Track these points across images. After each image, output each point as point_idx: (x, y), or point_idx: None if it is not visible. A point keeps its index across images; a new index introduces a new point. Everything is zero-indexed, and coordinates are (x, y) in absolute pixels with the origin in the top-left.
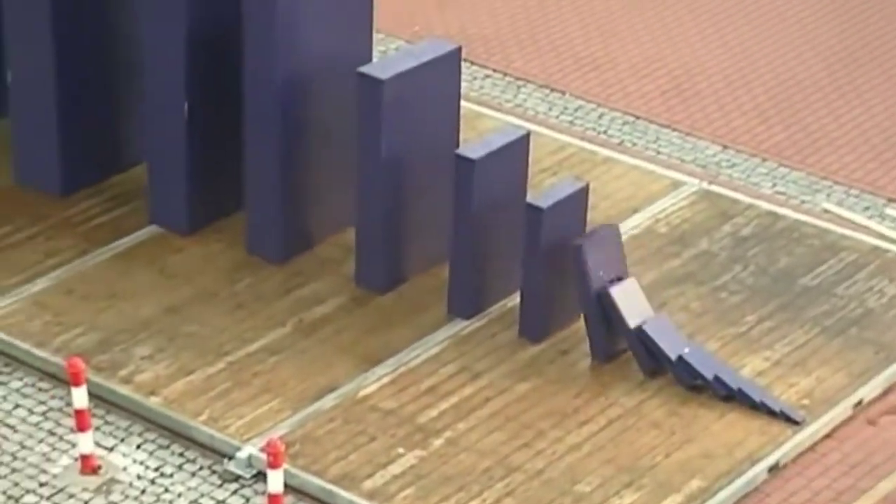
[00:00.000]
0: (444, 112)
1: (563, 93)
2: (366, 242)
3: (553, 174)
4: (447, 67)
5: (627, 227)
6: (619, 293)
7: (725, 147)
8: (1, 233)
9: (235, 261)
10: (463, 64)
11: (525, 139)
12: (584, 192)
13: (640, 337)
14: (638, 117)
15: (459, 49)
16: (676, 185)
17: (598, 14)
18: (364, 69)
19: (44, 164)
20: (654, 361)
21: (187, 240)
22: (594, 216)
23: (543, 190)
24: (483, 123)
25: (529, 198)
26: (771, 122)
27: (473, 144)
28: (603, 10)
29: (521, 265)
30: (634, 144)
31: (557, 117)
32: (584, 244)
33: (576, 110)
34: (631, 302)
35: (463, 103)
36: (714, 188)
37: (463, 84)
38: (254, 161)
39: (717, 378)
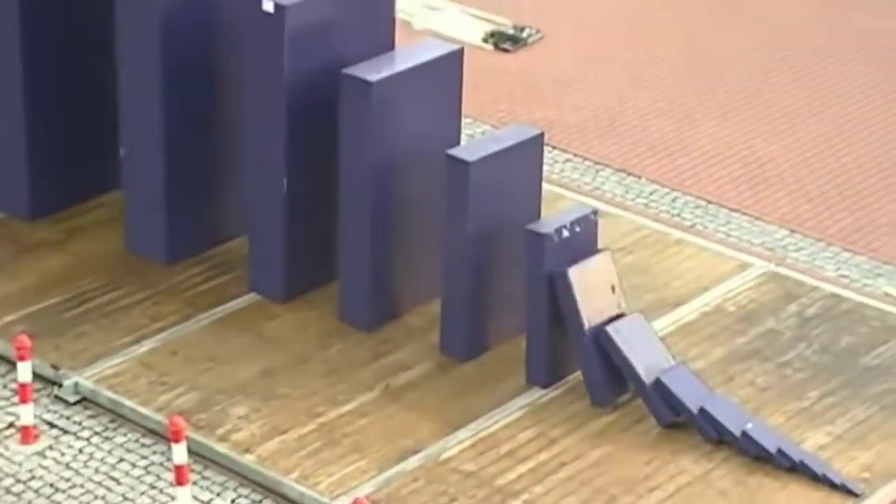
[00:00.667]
0: (526, 192)
1: (639, 177)
2: (450, 313)
3: (628, 253)
4: (530, 151)
5: (698, 306)
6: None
7: (792, 231)
8: (111, 297)
9: (327, 328)
10: (545, 148)
11: (592, 216)
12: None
13: (704, 413)
14: (709, 202)
15: (542, 135)
16: (745, 266)
17: (673, 104)
18: (452, 151)
19: (152, 234)
20: (717, 434)
21: (283, 307)
22: (666, 294)
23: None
24: (562, 204)
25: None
26: (835, 209)
27: (546, 220)
28: (678, 100)
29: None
30: (706, 227)
31: (633, 200)
32: (571, 272)
33: (651, 194)
34: (638, 346)
35: (544, 185)
36: (781, 270)
37: (545, 167)
38: (347, 235)
39: (780, 451)
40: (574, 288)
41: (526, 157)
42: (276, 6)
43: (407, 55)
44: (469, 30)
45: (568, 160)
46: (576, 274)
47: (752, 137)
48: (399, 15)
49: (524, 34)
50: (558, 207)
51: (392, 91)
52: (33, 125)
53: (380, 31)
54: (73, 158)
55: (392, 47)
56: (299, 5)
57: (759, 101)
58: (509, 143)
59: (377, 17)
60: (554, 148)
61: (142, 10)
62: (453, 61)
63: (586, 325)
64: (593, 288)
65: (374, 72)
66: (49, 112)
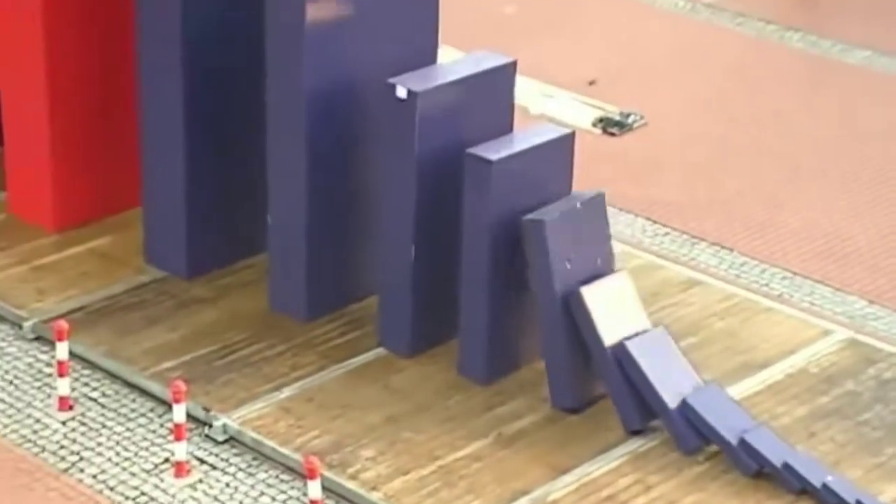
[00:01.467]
0: (598, 250)
1: (731, 250)
2: (555, 370)
3: (720, 319)
4: (595, 208)
5: (783, 368)
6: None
7: (871, 302)
8: (256, 349)
9: (447, 380)
10: (646, 222)
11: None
12: None
13: (788, 468)
14: (795, 273)
15: (602, 194)
16: (827, 333)
17: (763, 184)
18: (530, 217)
19: (293, 295)
20: (799, 485)
21: (408, 361)
22: (755, 356)
23: None
24: (661, 274)
25: None
26: None
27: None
28: (768, 180)
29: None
30: (792, 297)
31: (726, 270)
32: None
33: (741, 265)
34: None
35: (643, 255)
36: (860, 337)
37: (645, 239)
38: (467, 297)
39: (858, 502)
40: (590, 308)
41: (593, 214)
42: (409, 92)
43: (524, 137)
44: (579, 115)
45: (667, 233)
46: (591, 293)
47: (834, 215)
48: (517, 101)
49: (629, 119)
50: (657, 278)
51: (510, 169)
52: (193, 194)
53: (499, 116)
54: (226, 224)
55: (510, 130)
56: (429, 92)
57: (841, 181)
58: (576, 203)
59: (497, 103)
60: (655, 222)
61: (291, 96)
62: (565, 143)
63: (607, 345)
64: (612, 308)
65: (494, 152)
66: (207, 182)
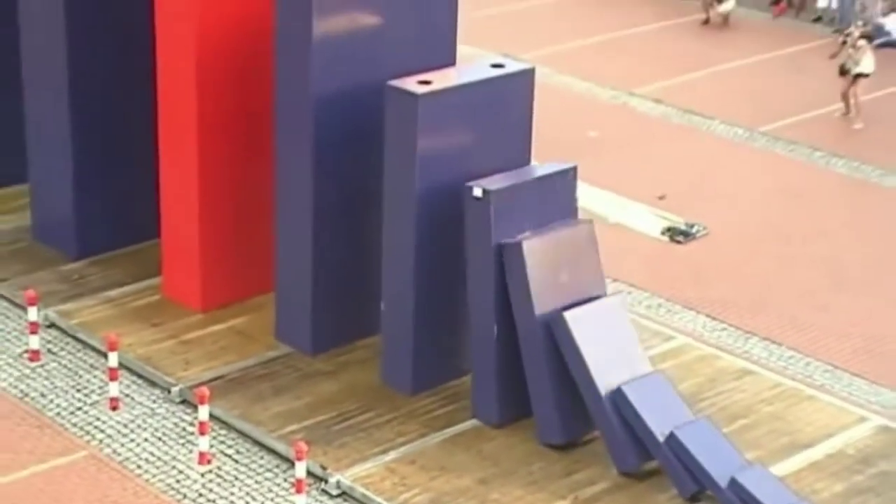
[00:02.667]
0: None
1: (780, 344)
2: (613, 440)
3: (769, 404)
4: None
5: (824, 449)
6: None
7: None
8: (367, 417)
9: (530, 449)
10: (706, 318)
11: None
12: None
13: None
14: (836, 367)
15: (624, 297)
16: (863, 419)
17: (811, 290)
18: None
19: (401, 372)
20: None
21: (497, 432)
22: (798, 438)
23: None
24: (718, 363)
25: None
26: None
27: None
28: (816, 287)
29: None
30: (833, 387)
31: (775, 362)
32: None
33: (789, 358)
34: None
35: (703, 346)
36: (892, 424)
37: (705, 333)
38: (532, 374)
39: None
40: (575, 335)
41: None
42: (484, 191)
43: (566, 232)
44: (650, 225)
45: (724, 329)
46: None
47: (871, 319)
48: (592, 209)
49: (693, 230)
50: (715, 367)
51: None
52: (319, 280)
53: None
54: (345, 308)
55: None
56: (500, 191)
57: (878, 289)
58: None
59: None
60: (714, 318)
61: (405, 194)
62: (589, 232)
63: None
64: (601, 336)
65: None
66: (331, 269)
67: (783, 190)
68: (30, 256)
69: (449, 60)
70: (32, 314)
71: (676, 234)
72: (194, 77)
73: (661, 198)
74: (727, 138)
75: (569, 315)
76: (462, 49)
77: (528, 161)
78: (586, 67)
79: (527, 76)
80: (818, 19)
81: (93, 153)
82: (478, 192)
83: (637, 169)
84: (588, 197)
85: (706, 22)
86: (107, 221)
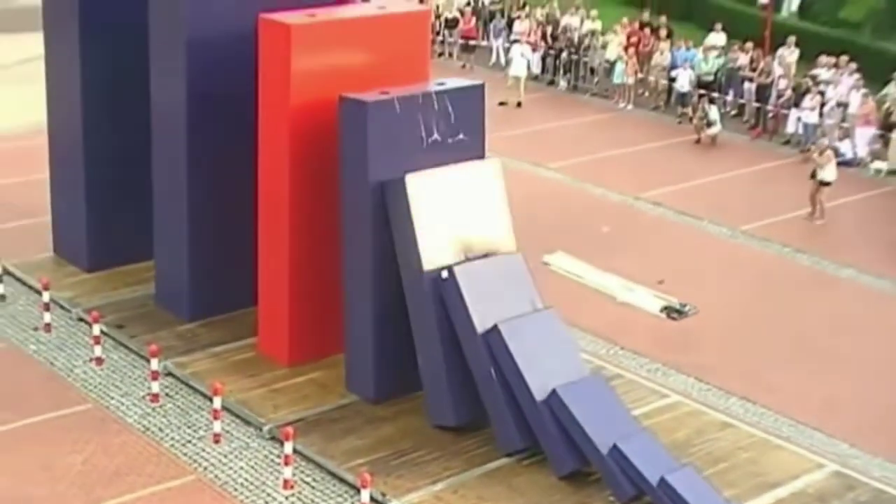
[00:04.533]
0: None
1: (754, 402)
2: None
3: (745, 451)
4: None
5: (789, 488)
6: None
7: (853, 445)
8: (419, 454)
9: (551, 483)
10: (695, 381)
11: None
12: None
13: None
14: (799, 422)
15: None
16: (821, 465)
17: (781, 358)
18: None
19: (444, 411)
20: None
21: (524, 468)
22: (768, 479)
23: None
24: (703, 418)
25: None
26: None
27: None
28: (785, 355)
29: None
30: (797, 438)
31: (750, 417)
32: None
33: (761, 414)
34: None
35: (692, 403)
36: (844, 470)
37: (693, 393)
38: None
39: None
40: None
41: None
42: (449, 272)
43: (543, 320)
44: (651, 304)
45: (709, 389)
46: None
47: (830, 381)
48: (604, 290)
49: (686, 308)
50: (701, 420)
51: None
52: (380, 339)
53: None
54: (403, 364)
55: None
56: (465, 271)
57: (835, 357)
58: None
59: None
60: (700, 380)
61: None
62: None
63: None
64: (537, 346)
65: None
66: (394, 328)
67: (759, 278)
68: (154, 318)
69: None
70: (154, 364)
71: (672, 312)
72: (287, 178)
73: (660, 282)
74: (714, 235)
75: (504, 327)
76: (498, 158)
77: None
78: (601, 176)
79: None
80: (787, 142)
81: (204, 235)
82: (444, 273)
83: (640, 258)
84: (600, 279)
85: (698, 142)
86: (215, 291)
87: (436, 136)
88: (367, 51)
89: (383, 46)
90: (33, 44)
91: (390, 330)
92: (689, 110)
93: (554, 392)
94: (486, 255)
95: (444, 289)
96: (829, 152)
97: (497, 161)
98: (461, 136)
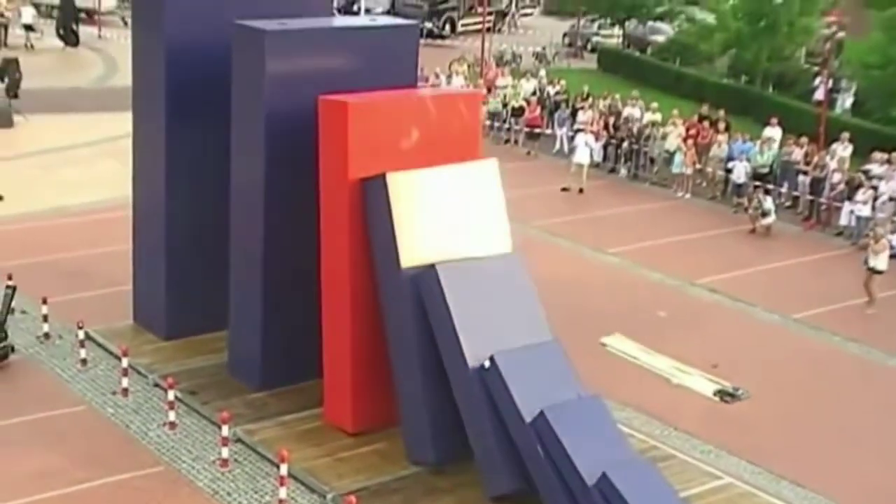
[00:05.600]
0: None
1: (804, 486)
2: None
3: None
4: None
5: None
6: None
7: None
8: None
9: None
10: (747, 463)
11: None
12: None
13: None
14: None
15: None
16: None
17: (830, 443)
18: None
19: (501, 484)
20: None
21: None
22: None
23: None
24: (755, 500)
25: None
26: None
27: None
28: (833, 442)
29: None
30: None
31: (800, 501)
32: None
33: (812, 498)
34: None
35: (741, 485)
36: None
37: (745, 475)
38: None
39: None
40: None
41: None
42: (491, 361)
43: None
44: (705, 387)
45: (761, 472)
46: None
47: (878, 468)
48: (659, 372)
49: (739, 392)
50: (754, 502)
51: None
52: (433, 416)
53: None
54: (456, 434)
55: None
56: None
57: (884, 445)
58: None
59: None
60: (752, 464)
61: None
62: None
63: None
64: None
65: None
66: (446, 399)
67: (810, 364)
68: (226, 386)
69: None
70: (225, 431)
71: (725, 396)
72: (347, 252)
73: (715, 366)
74: (767, 322)
75: (550, 413)
76: (560, 242)
77: None
78: (658, 262)
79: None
80: (840, 234)
81: (277, 307)
82: (486, 363)
83: (695, 342)
84: (655, 361)
85: (753, 231)
86: (285, 361)
87: None
88: (420, 128)
89: (436, 124)
90: (123, 122)
91: (445, 403)
92: (744, 201)
93: (604, 475)
94: (483, 259)
95: (488, 378)
96: (885, 241)
97: (494, 161)
98: None
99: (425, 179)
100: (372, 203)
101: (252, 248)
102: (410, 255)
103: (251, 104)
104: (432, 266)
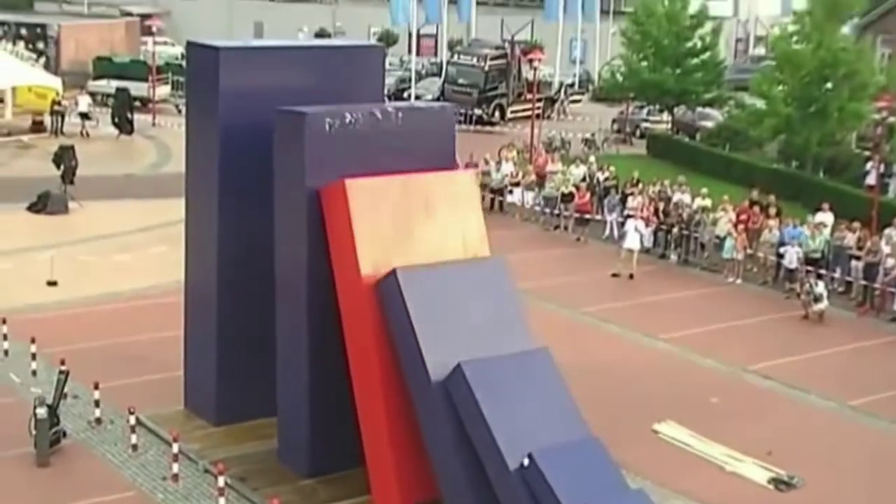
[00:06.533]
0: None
1: None
2: None
3: None
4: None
5: None
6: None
7: None
8: None
9: None
10: None
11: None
12: None
13: None
14: None
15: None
16: None
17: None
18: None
19: None
20: None
21: None
22: None
23: None
24: None
25: None
26: None
27: None
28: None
29: None
30: None
31: None
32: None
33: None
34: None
35: None
36: None
37: None
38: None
39: None
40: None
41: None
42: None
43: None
44: (759, 475)
45: None
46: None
47: None
48: (712, 460)
49: (794, 480)
50: None
51: None
52: (475, 491)
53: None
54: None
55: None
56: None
57: None
58: None
59: None
60: None
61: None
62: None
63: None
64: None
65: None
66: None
67: (866, 451)
68: (275, 472)
69: None
70: None
71: (780, 484)
72: (374, 343)
73: (769, 453)
74: (822, 409)
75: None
76: (611, 328)
77: None
78: (710, 348)
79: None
80: (894, 320)
81: (325, 395)
82: (525, 461)
83: (749, 429)
84: (708, 448)
85: (805, 317)
86: (335, 448)
87: None
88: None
89: (436, 211)
90: (176, 208)
91: (479, 473)
92: (796, 286)
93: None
94: (508, 356)
95: (529, 476)
96: None
97: (501, 259)
98: None
99: (438, 276)
100: (388, 303)
101: (297, 334)
102: (433, 355)
103: (293, 188)
104: (458, 365)
